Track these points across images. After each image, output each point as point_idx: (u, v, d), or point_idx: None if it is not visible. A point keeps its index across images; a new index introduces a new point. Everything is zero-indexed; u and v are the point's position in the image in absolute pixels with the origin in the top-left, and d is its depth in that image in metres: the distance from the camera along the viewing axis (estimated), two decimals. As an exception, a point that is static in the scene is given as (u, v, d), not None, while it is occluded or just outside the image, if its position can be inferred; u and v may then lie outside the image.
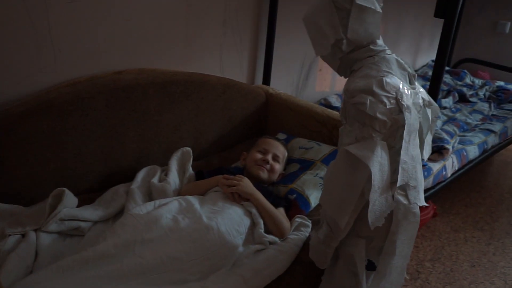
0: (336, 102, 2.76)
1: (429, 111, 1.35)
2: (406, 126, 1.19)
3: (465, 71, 3.61)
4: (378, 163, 1.17)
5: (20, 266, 1.27)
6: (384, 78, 1.20)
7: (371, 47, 1.29)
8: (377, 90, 1.18)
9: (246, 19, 2.22)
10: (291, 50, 2.51)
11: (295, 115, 2.14)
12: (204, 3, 2.00)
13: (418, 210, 1.25)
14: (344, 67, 1.34)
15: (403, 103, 1.19)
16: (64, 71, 1.65)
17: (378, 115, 1.17)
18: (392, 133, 1.21)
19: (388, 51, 1.31)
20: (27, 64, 1.56)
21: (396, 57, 1.30)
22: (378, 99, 1.18)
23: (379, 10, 1.26)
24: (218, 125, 2.07)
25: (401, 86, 1.22)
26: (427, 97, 1.36)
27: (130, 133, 1.75)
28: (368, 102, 1.17)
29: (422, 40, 3.63)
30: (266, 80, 2.38)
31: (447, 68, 3.63)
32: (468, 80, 3.55)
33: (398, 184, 1.20)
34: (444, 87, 3.35)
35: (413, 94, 1.27)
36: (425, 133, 1.35)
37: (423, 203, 1.27)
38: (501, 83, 3.49)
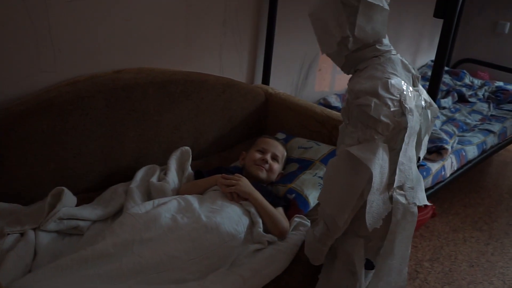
0: (335, 102, 2.76)
1: (429, 112, 1.36)
2: (408, 129, 1.20)
3: (465, 71, 3.61)
4: (379, 165, 1.18)
5: (19, 265, 1.27)
6: (389, 80, 1.20)
7: (377, 46, 1.28)
8: (382, 92, 1.18)
9: (246, 19, 2.22)
10: (290, 50, 2.51)
11: (295, 115, 2.15)
12: (204, 3, 2.00)
13: (416, 209, 1.26)
14: (349, 65, 1.34)
15: (406, 106, 1.19)
16: (64, 71, 1.66)
17: (382, 118, 1.17)
18: (394, 135, 1.22)
19: (393, 52, 1.30)
20: (27, 64, 1.56)
21: (401, 58, 1.30)
22: (383, 101, 1.18)
23: (387, 7, 1.25)
24: (218, 125, 2.07)
25: (405, 88, 1.22)
26: (428, 98, 1.36)
27: (130, 133, 1.75)
28: (372, 104, 1.17)
29: (421, 40, 3.63)
30: (266, 79, 2.38)
31: (446, 68, 3.63)
32: (467, 80, 3.55)
33: (395, 185, 1.20)
34: (443, 87, 3.35)
35: (416, 96, 1.27)
36: (423, 134, 1.36)
37: (424, 202, 1.28)
38: (500, 84, 3.50)
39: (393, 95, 1.19)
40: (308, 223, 1.59)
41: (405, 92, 1.21)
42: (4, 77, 1.53)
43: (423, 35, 3.62)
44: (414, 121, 1.22)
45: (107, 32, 1.73)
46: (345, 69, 1.36)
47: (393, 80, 1.21)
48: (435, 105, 1.39)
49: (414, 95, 1.25)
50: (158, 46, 1.91)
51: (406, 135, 1.20)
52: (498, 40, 3.87)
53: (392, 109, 1.18)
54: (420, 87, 1.35)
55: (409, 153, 1.23)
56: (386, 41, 1.30)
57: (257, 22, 2.28)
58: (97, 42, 1.71)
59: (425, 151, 1.41)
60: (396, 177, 1.20)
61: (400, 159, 1.21)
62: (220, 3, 2.06)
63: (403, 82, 1.23)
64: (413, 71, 1.32)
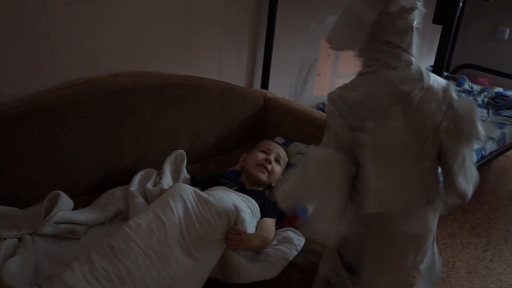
0: (334, 106, 2.75)
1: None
2: (368, 146, 1.15)
3: (464, 77, 3.62)
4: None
5: (24, 270, 1.26)
6: (357, 94, 1.17)
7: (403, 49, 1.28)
8: (339, 102, 1.17)
9: (245, 22, 2.22)
10: (290, 54, 2.51)
11: (293, 119, 2.14)
12: (203, 7, 2.00)
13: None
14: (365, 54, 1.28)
15: (368, 123, 1.15)
16: (62, 74, 1.66)
17: (334, 126, 1.18)
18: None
19: (414, 61, 1.31)
20: (25, 66, 1.56)
21: (400, 76, 1.28)
22: (339, 111, 1.16)
23: None
24: (216, 128, 2.07)
25: (377, 106, 1.16)
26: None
27: (127, 136, 1.75)
28: (328, 111, 1.21)
29: (421, 45, 3.63)
30: (265, 84, 2.38)
31: (445, 73, 3.64)
32: (466, 86, 3.55)
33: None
34: (442, 92, 3.34)
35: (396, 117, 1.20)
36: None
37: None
38: (500, 89, 3.49)
39: (353, 108, 1.15)
40: (302, 239, 1.54)
41: (374, 110, 1.16)
42: (2, 80, 1.53)
43: (423, 40, 3.60)
44: (379, 141, 1.16)
45: (106, 35, 1.73)
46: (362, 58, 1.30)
47: (363, 95, 1.17)
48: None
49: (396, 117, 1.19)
50: (157, 49, 1.91)
51: (367, 152, 1.15)
52: (497, 46, 3.88)
53: (348, 121, 1.15)
54: (433, 101, 1.29)
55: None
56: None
57: (256, 26, 2.28)
58: (96, 45, 1.71)
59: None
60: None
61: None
62: (219, 6, 2.06)
63: (381, 99, 1.18)
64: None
